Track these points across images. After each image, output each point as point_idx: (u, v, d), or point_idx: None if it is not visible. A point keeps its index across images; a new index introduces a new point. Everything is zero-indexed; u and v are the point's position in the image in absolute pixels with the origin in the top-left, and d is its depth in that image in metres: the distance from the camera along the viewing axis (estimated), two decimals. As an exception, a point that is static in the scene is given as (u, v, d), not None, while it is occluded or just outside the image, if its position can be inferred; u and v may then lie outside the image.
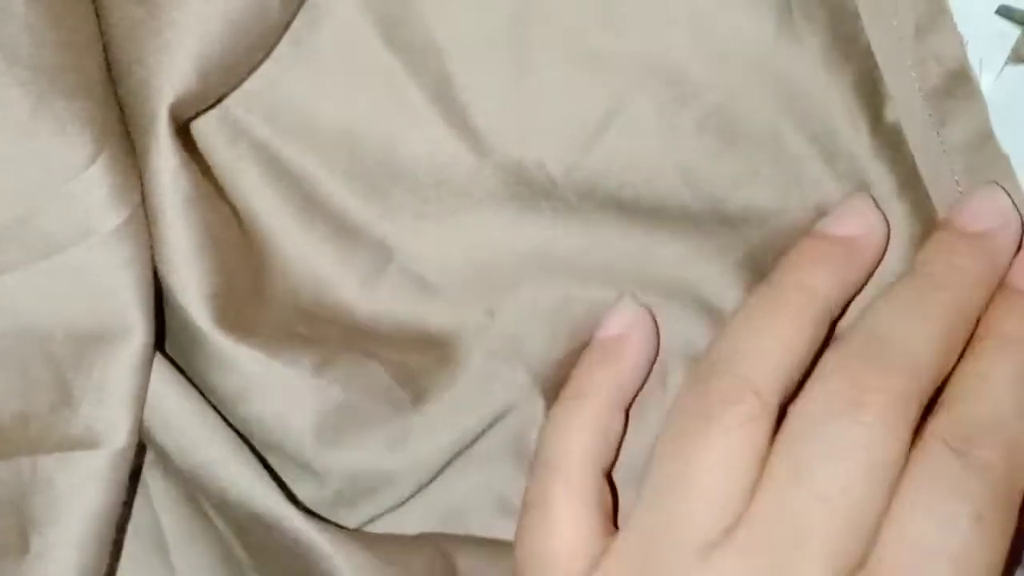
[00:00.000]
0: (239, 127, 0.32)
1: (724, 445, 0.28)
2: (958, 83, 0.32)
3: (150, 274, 0.29)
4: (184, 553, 0.33)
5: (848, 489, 0.27)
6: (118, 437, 0.29)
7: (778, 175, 0.32)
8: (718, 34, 0.32)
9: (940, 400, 0.29)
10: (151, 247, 0.29)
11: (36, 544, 0.29)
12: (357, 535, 0.31)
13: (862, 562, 0.27)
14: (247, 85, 0.32)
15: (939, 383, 0.29)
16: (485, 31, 0.32)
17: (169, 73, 0.28)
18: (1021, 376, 0.29)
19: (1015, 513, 0.28)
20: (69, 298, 0.28)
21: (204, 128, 0.32)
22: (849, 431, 0.27)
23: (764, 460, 0.28)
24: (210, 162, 0.32)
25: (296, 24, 0.31)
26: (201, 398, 0.30)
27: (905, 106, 0.32)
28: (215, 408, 0.30)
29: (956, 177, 0.32)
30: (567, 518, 0.30)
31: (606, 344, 0.31)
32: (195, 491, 0.32)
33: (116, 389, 0.29)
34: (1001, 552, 0.28)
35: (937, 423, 0.28)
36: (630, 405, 0.32)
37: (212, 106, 0.31)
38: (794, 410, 0.28)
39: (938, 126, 0.32)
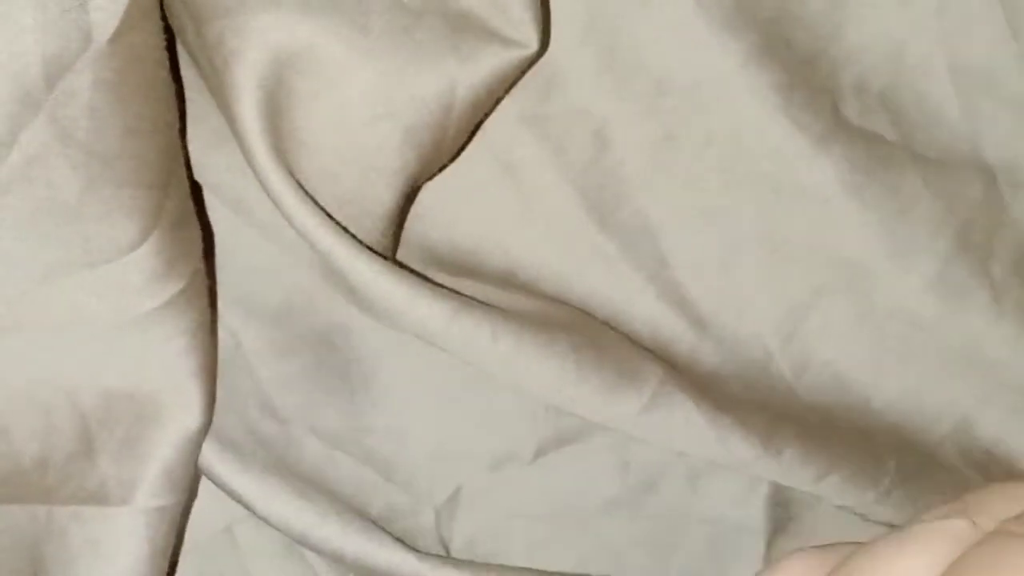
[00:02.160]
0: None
1: None
2: None
3: (204, 345, 0.29)
4: None
5: None
6: (136, 497, 0.29)
7: None
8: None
9: None
10: (208, 317, 0.30)
11: (45, 594, 0.29)
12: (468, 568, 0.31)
13: None
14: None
15: None
16: (694, 211, 0.33)
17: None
18: None
19: None
20: (99, 361, 0.28)
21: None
22: None
23: None
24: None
25: (512, 206, 0.32)
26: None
27: None
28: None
29: None
30: None
31: None
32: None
33: (145, 452, 0.29)
34: None
35: None
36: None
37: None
38: None
39: None
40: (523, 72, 0.30)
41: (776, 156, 0.32)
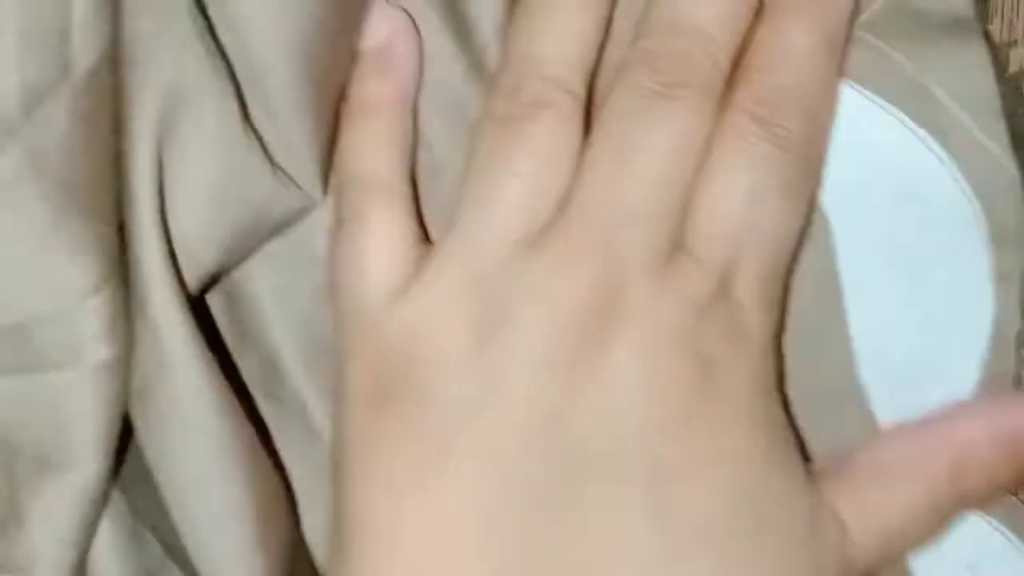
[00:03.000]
0: None
1: (542, 141, 0.29)
2: None
3: (120, 416, 0.29)
4: None
5: (665, 170, 0.28)
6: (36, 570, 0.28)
7: None
8: None
9: (741, 67, 0.29)
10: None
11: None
12: None
13: (681, 240, 0.28)
14: None
15: (738, 48, 0.30)
16: None
17: None
18: (817, 42, 0.30)
19: (817, 175, 0.30)
20: (43, 418, 0.28)
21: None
22: (661, 119, 0.28)
23: (580, 153, 0.29)
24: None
25: None
26: None
27: None
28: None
29: None
30: (385, 228, 0.29)
31: (378, 53, 0.31)
32: None
33: (47, 521, 0.28)
34: (803, 217, 0.30)
35: (739, 94, 0.29)
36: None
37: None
38: (608, 101, 0.29)
39: None
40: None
41: None
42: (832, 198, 0.31)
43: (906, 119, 0.31)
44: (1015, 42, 0.32)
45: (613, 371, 0.27)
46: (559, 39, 0.29)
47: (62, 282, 0.27)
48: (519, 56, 0.30)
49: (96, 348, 0.27)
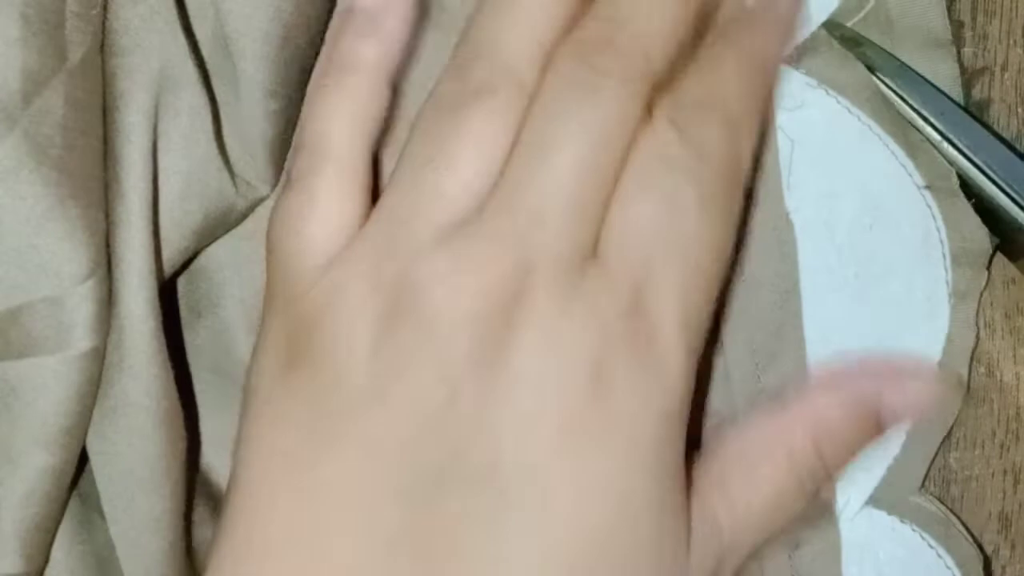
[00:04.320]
0: None
1: (478, 129, 0.28)
2: None
3: (91, 410, 0.29)
4: None
5: (583, 169, 0.27)
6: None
7: None
8: None
9: (670, 80, 0.29)
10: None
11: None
12: None
13: (596, 246, 0.28)
14: None
15: (675, 58, 0.29)
16: None
17: None
18: (748, 65, 0.29)
19: (739, 194, 0.29)
20: (26, 408, 0.28)
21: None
22: (584, 112, 0.27)
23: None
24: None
25: None
26: None
27: None
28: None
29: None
30: (332, 197, 0.29)
31: (366, 13, 0.30)
32: None
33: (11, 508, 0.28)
34: (727, 234, 0.29)
35: (662, 100, 0.28)
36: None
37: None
38: (537, 94, 0.28)
39: None
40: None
41: None
42: (798, 203, 0.32)
43: (881, 132, 0.32)
44: (983, 69, 0.32)
45: (503, 381, 0.26)
46: (515, 29, 0.28)
47: (60, 267, 0.27)
48: (474, 41, 0.29)
49: (83, 335, 0.27)
